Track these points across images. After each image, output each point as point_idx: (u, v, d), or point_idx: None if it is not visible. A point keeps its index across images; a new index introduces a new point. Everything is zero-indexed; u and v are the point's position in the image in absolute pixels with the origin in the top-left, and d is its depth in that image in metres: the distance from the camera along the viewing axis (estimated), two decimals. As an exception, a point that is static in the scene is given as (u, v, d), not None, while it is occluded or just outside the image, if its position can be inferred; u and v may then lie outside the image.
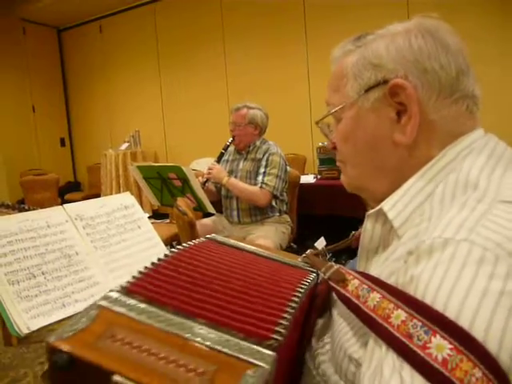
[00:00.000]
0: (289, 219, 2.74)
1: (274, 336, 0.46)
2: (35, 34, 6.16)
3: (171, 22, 5.46)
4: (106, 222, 1.24)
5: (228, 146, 2.67)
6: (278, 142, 2.70)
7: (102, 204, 1.28)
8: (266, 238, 2.46)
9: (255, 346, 0.44)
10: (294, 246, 2.85)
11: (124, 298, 0.50)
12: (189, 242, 0.71)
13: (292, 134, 4.47)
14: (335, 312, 0.63)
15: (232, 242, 0.74)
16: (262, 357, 0.43)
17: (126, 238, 1.25)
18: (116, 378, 0.38)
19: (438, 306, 0.41)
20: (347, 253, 0.86)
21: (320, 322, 0.68)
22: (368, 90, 0.60)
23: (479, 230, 0.44)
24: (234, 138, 2.63)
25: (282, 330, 0.47)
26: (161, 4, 5.54)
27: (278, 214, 2.66)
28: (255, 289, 0.56)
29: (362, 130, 0.63)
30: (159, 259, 0.62)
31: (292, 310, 0.52)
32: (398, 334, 0.43)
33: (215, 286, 0.55)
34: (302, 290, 0.58)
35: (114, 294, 0.51)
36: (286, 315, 0.51)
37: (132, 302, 0.50)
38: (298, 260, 0.71)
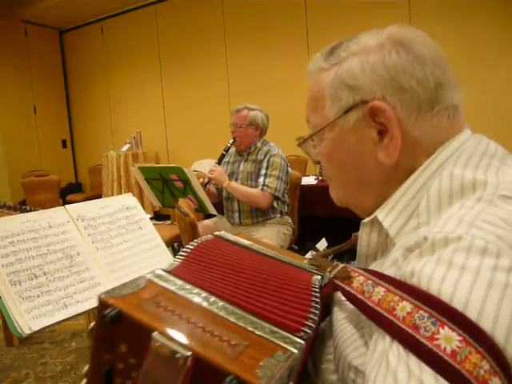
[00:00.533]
0: (290, 220, 2.74)
1: (304, 329, 0.48)
2: (37, 36, 6.18)
3: (172, 24, 5.47)
4: (107, 223, 1.25)
5: (229, 147, 2.67)
6: (279, 144, 2.70)
7: (103, 205, 1.28)
8: (268, 239, 2.46)
9: (287, 333, 0.47)
10: (295, 247, 2.85)
11: (168, 276, 0.56)
12: (198, 240, 0.72)
13: (293, 136, 4.38)
14: (338, 317, 0.62)
15: (242, 240, 0.74)
16: (292, 343, 0.46)
17: (128, 238, 1.25)
18: (155, 335, 0.43)
19: (444, 298, 0.41)
20: (349, 253, 0.86)
21: (321, 325, 0.67)
22: (347, 111, 0.59)
23: (479, 224, 0.44)
24: (234, 139, 2.63)
25: (312, 325, 0.50)
26: (162, 5, 5.55)
27: (279, 215, 2.66)
28: (277, 285, 0.58)
29: (345, 151, 0.62)
30: (184, 251, 0.67)
31: (318, 306, 0.54)
32: (403, 326, 0.42)
33: (243, 279, 0.58)
34: (316, 290, 0.59)
35: (160, 272, 0.57)
36: (313, 310, 0.53)
37: (176, 280, 0.56)
38: (304, 262, 0.71)
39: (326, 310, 0.66)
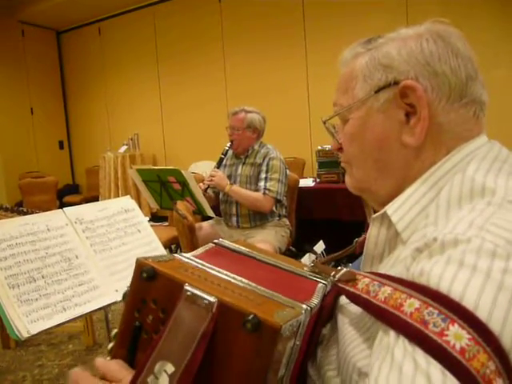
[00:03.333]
0: (288, 223, 2.74)
1: (308, 303, 0.53)
2: (34, 37, 6.16)
3: (170, 25, 5.47)
4: (105, 226, 1.25)
5: (227, 150, 2.67)
6: (276, 146, 2.71)
7: (102, 207, 1.28)
8: (266, 241, 2.46)
9: (294, 301, 0.52)
10: (293, 249, 2.86)
11: (191, 257, 0.62)
12: (200, 249, 0.72)
13: (291, 138, 4.47)
14: (342, 321, 0.62)
15: (242, 249, 0.74)
16: (301, 308, 0.51)
17: (126, 241, 1.25)
18: (186, 286, 0.51)
19: (454, 297, 0.41)
20: (346, 256, 0.86)
21: (324, 332, 0.67)
22: (378, 90, 0.61)
23: (489, 227, 0.45)
24: (232, 142, 2.63)
25: (314, 304, 0.54)
26: (160, 7, 5.55)
27: (277, 217, 2.67)
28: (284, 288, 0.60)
29: (370, 131, 0.63)
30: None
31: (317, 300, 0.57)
32: (411, 321, 0.42)
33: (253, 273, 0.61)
34: (317, 299, 0.59)
35: (185, 254, 0.63)
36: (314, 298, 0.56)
37: (198, 260, 0.61)
38: (305, 269, 0.70)
39: (328, 317, 0.66)
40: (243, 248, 0.75)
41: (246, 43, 4.96)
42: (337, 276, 0.58)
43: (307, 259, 2.27)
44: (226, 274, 0.57)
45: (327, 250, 2.41)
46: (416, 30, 0.62)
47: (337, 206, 2.95)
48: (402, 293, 0.45)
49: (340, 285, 0.56)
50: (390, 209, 0.60)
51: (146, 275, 0.53)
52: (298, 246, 2.88)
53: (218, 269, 0.58)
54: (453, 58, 0.58)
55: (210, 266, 0.59)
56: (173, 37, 5.47)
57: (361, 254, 0.77)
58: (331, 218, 3.04)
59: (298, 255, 2.63)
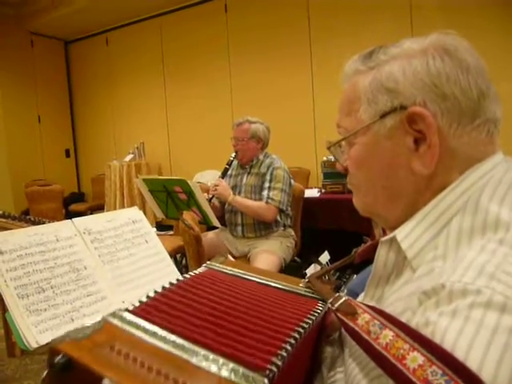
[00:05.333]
0: (293, 233, 2.74)
1: (270, 367, 0.45)
2: (43, 46, 6.24)
3: (177, 36, 5.52)
4: (113, 237, 1.25)
5: (232, 161, 2.70)
6: (282, 156, 2.72)
7: (110, 218, 1.29)
8: (271, 252, 2.46)
9: (251, 373, 0.44)
10: (298, 259, 2.85)
11: (130, 317, 0.53)
12: (189, 273, 0.70)
13: (296, 148, 4.49)
14: (345, 350, 0.60)
15: (234, 271, 0.72)
16: (255, 382, 0.43)
17: (134, 252, 1.26)
18: (105, 382, 0.42)
19: (459, 355, 0.39)
20: (350, 267, 0.86)
21: (329, 350, 0.65)
22: (383, 115, 0.57)
23: (500, 276, 0.43)
24: (237, 152, 2.66)
25: (279, 362, 0.46)
26: (166, 17, 5.61)
27: (282, 228, 2.67)
28: (256, 322, 0.55)
29: (378, 158, 0.59)
30: (163, 287, 0.63)
31: (294, 342, 0.50)
32: (414, 379, 0.40)
33: (218, 314, 0.55)
34: (308, 322, 0.56)
35: (121, 312, 0.54)
36: (286, 346, 0.49)
37: (137, 321, 0.52)
38: (300, 285, 0.68)
39: (330, 333, 0.65)
40: (236, 270, 0.73)
41: (252, 53, 5.00)
42: (335, 305, 0.56)
43: (312, 270, 2.27)
44: (174, 347, 0.47)
45: (332, 261, 2.41)
46: (420, 43, 0.57)
47: (342, 216, 2.95)
48: (404, 342, 0.43)
49: (339, 315, 0.54)
50: (399, 234, 0.57)
51: (59, 367, 0.44)
52: (303, 257, 2.87)
53: (163, 335, 0.49)
54: (462, 75, 0.54)
55: (156, 329, 0.50)
56: (179, 47, 5.52)
57: (362, 264, 0.76)
58: (336, 229, 3.04)
59: (302, 266, 2.62)
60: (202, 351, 0.46)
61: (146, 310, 0.55)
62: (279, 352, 0.48)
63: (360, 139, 0.61)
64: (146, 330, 0.50)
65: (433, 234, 0.55)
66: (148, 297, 0.59)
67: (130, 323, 0.52)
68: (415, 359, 0.41)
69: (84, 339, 0.48)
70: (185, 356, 0.46)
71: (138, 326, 0.51)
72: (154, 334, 0.49)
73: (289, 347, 0.49)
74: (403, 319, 0.48)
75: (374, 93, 0.58)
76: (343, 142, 0.66)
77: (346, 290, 1.53)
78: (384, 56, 0.59)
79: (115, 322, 0.52)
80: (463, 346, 0.40)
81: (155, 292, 0.61)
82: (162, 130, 5.84)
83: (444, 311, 0.43)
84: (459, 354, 0.39)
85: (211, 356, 0.46)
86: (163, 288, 0.63)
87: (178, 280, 0.67)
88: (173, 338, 0.49)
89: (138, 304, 0.57)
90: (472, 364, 0.38)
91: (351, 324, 0.51)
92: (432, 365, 0.40)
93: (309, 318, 0.56)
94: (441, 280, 0.46)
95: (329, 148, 0.69)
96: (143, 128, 5.93)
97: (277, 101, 4.76)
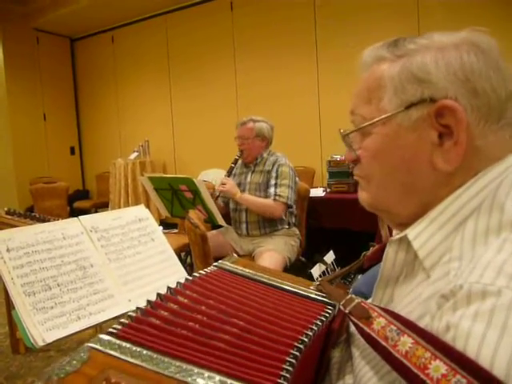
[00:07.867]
0: (298, 232, 2.74)
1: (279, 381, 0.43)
2: (48, 44, 6.24)
3: (182, 33, 5.51)
4: (120, 235, 1.25)
5: (237, 160, 2.72)
6: (286, 154, 2.73)
7: (116, 216, 1.29)
8: (275, 250, 2.46)
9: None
10: (303, 259, 2.85)
11: (116, 341, 0.49)
12: (200, 272, 0.68)
13: (301, 147, 4.47)
14: (356, 353, 0.58)
15: (243, 271, 0.71)
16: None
17: (140, 250, 1.26)
18: None
19: (484, 363, 0.38)
20: (360, 272, 0.85)
21: (337, 355, 0.63)
22: (409, 106, 0.54)
23: None
24: (242, 151, 2.67)
25: (287, 375, 0.44)
26: (172, 15, 5.60)
27: (287, 226, 2.67)
28: (259, 330, 0.52)
29: (397, 151, 0.57)
30: (158, 295, 0.59)
31: (298, 353, 0.48)
32: None
33: (217, 326, 0.52)
34: (313, 329, 0.53)
35: (105, 337, 0.50)
36: (291, 359, 0.47)
37: (124, 344, 0.48)
38: (311, 288, 0.67)
39: (338, 339, 0.63)
40: (246, 270, 0.71)
41: (257, 51, 4.98)
42: (347, 308, 0.54)
43: (317, 269, 2.27)
44: (167, 368, 0.44)
45: (337, 260, 2.40)
46: (451, 38, 0.55)
47: (347, 215, 2.94)
48: (425, 350, 0.42)
49: (353, 319, 0.52)
50: (411, 233, 0.55)
51: None
52: (307, 256, 2.87)
53: (155, 357, 0.46)
54: (494, 74, 0.53)
55: (147, 352, 0.47)
56: (184, 45, 5.52)
57: (370, 266, 0.75)
58: (341, 228, 3.03)
59: (307, 265, 2.62)
60: (207, 373, 0.44)
61: (130, 332, 0.50)
62: (285, 366, 0.45)
63: (379, 129, 0.58)
64: (134, 353, 0.46)
65: (445, 234, 0.53)
66: (132, 315, 0.54)
67: (115, 347, 0.47)
68: (438, 368, 0.39)
69: (73, 373, 0.44)
70: (188, 379, 0.43)
71: (124, 350, 0.47)
72: (150, 359, 0.46)
73: (293, 360, 0.47)
74: (422, 325, 0.46)
75: (403, 82, 0.55)
76: (359, 131, 0.62)
77: (351, 290, 1.52)
78: (413, 45, 0.56)
79: (101, 348, 0.48)
80: (488, 352, 0.38)
81: (158, 295, 0.59)
82: (167, 128, 5.84)
83: (465, 314, 0.41)
84: (484, 361, 0.38)
85: (217, 377, 0.43)
86: (168, 289, 0.61)
87: (185, 286, 0.63)
88: (173, 362, 0.45)
89: (127, 321, 0.52)
90: (498, 373, 0.37)
91: (367, 330, 0.49)
92: (456, 374, 0.38)
93: (316, 323, 0.54)
94: (458, 281, 0.44)
95: (344, 137, 0.65)
96: (148, 126, 5.93)
97: (282, 99, 4.75)
